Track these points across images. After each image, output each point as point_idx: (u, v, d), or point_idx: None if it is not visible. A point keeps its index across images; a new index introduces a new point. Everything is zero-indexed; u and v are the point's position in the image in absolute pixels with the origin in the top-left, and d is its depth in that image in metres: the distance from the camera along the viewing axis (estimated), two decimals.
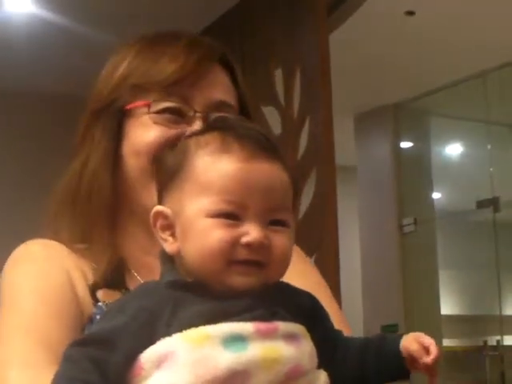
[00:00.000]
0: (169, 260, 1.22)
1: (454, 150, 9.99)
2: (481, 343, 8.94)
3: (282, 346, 1.13)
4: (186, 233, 1.18)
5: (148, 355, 1.12)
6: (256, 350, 1.11)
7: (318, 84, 4.40)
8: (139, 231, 1.48)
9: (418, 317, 7.51)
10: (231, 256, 1.15)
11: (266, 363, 1.11)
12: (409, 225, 7.72)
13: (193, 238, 1.17)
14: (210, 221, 1.16)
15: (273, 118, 4.63)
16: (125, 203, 1.50)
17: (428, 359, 1.16)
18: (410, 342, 1.19)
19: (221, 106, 1.48)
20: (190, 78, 1.45)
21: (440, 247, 8.22)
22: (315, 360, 1.18)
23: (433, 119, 8.38)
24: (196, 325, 1.11)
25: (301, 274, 1.44)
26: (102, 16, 5.41)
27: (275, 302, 1.17)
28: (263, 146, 1.21)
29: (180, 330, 1.11)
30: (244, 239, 1.15)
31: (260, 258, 1.16)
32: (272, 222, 1.18)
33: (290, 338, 1.15)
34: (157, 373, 1.11)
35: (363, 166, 8.25)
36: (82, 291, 1.40)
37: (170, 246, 1.21)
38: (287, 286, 1.24)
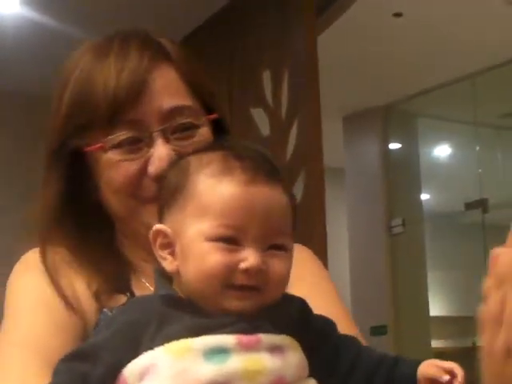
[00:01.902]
0: (164, 276, 1.22)
1: (442, 151, 10.02)
2: (469, 344, 8.96)
3: (264, 357, 1.12)
4: (185, 254, 1.18)
5: (131, 368, 1.12)
6: (237, 362, 1.10)
7: (306, 85, 4.41)
8: (142, 236, 1.44)
9: (407, 318, 7.53)
10: (228, 281, 1.14)
11: (248, 375, 1.10)
12: (397, 226, 7.73)
13: (191, 261, 1.17)
14: (209, 245, 1.15)
15: (261, 120, 4.63)
16: (117, 225, 1.49)
17: (446, 377, 1.13)
18: (428, 367, 1.16)
19: (173, 112, 1.40)
20: (130, 99, 1.37)
21: (428, 248, 8.24)
22: (304, 370, 1.18)
23: (421, 121, 8.40)
24: (179, 338, 1.11)
25: (317, 291, 1.47)
26: (90, 16, 5.40)
27: (260, 316, 1.16)
28: (264, 168, 1.20)
29: (163, 344, 1.11)
30: (242, 265, 1.14)
31: (257, 284, 1.15)
32: (271, 247, 1.18)
33: (274, 349, 1.14)
34: None
35: (351, 167, 8.27)
36: (86, 298, 1.38)
37: (169, 264, 1.20)
38: (282, 297, 1.22)
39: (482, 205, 8.16)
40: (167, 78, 1.42)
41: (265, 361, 1.12)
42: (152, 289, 1.33)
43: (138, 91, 1.37)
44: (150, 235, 1.22)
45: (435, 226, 9.85)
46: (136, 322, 1.15)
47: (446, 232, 10.66)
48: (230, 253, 1.14)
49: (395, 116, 7.89)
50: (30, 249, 1.49)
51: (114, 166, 1.39)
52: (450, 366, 1.14)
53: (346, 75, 6.61)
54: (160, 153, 1.37)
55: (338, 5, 5.50)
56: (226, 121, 1.54)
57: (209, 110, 1.48)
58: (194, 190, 1.19)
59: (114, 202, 1.43)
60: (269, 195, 1.18)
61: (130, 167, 1.37)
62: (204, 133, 1.43)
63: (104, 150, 1.39)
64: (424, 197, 8.83)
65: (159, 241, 1.22)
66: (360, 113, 7.89)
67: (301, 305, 1.25)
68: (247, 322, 1.14)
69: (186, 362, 1.09)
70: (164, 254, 1.21)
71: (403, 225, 7.69)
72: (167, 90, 1.41)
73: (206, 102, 1.48)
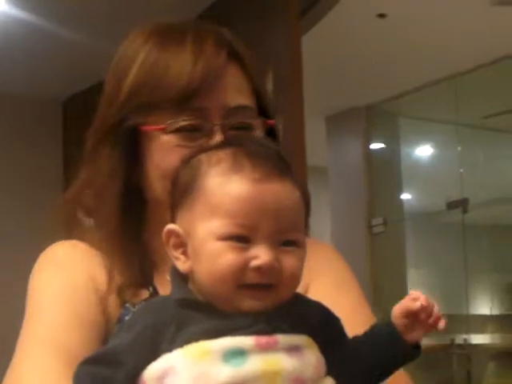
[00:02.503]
0: (180, 276, 1.21)
1: (423, 151, 10.04)
2: (448, 342, 8.98)
3: (283, 358, 1.12)
4: (197, 254, 1.17)
5: (150, 372, 1.12)
6: (256, 364, 1.10)
7: (289, 85, 4.41)
8: None
9: (387, 316, 7.53)
10: (241, 280, 1.13)
11: (267, 376, 1.10)
12: (378, 225, 7.75)
13: (203, 261, 1.16)
14: (220, 244, 1.14)
15: None
16: (150, 213, 1.47)
17: (416, 304, 1.16)
18: (398, 308, 1.19)
19: (237, 110, 1.43)
20: (202, 88, 1.38)
21: (409, 247, 8.26)
22: (322, 369, 1.18)
23: (403, 121, 8.42)
24: (197, 341, 1.10)
25: (338, 288, 1.49)
26: (77, 15, 5.40)
27: (278, 317, 1.15)
28: (275, 164, 1.18)
29: (181, 346, 1.11)
30: (254, 263, 1.13)
31: (270, 281, 1.14)
32: (283, 243, 1.16)
33: (291, 349, 1.14)
34: None
35: (334, 166, 8.28)
36: (108, 293, 1.39)
37: (182, 264, 1.20)
38: (296, 298, 1.22)
39: (462, 204, 8.20)
40: (236, 78, 1.45)
41: (283, 361, 1.12)
42: None
43: (210, 83, 1.39)
44: (163, 235, 1.21)
45: (416, 225, 9.88)
46: (155, 326, 1.14)
47: (427, 231, 10.70)
48: (241, 251, 1.13)
49: (377, 116, 7.90)
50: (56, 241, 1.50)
51: (170, 150, 1.39)
52: (410, 296, 1.18)
53: (329, 75, 6.61)
54: None
55: (322, 5, 5.52)
56: (278, 127, 1.54)
57: (264, 113, 1.49)
58: (203, 188, 1.17)
59: (158, 186, 1.42)
60: (279, 192, 1.16)
61: (185, 153, 1.33)
62: (257, 135, 1.44)
63: (165, 131, 1.40)
64: (405, 196, 8.85)
65: (172, 241, 1.21)
66: (342, 113, 7.90)
67: (319, 307, 1.25)
68: (264, 323, 1.13)
69: (204, 365, 1.09)
70: (177, 253, 1.20)
71: (384, 224, 7.71)
72: (235, 88, 1.44)
73: (263, 106, 1.50)
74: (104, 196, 1.45)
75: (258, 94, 1.49)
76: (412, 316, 1.18)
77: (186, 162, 1.26)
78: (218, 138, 1.38)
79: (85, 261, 1.43)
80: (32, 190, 6.86)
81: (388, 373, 1.24)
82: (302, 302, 1.23)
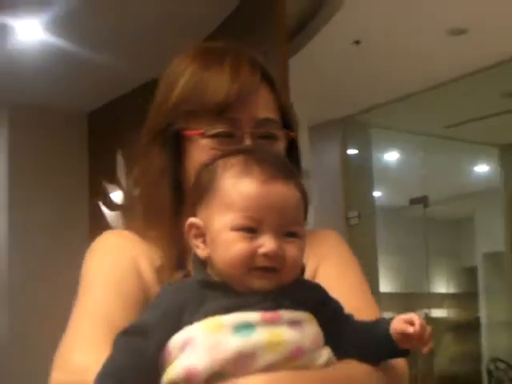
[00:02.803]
0: (200, 262, 1.24)
1: (391, 156, 10.04)
2: None
3: (285, 330, 1.14)
4: (214, 243, 1.20)
5: (174, 342, 1.14)
6: (261, 335, 1.12)
7: None
8: None
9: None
10: (251, 264, 1.17)
11: (271, 346, 1.12)
12: (354, 218, 7.75)
13: (219, 248, 1.19)
14: (233, 234, 1.17)
15: None
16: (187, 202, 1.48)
17: (411, 329, 1.16)
18: (397, 323, 1.19)
19: (265, 122, 1.44)
20: (236, 102, 1.40)
21: (379, 236, 8.26)
22: (320, 340, 1.20)
23: (374, 131, 8.41)
24: (214, 315, 1.13)
25: (342, 270, 1.49)
26: (102, 40, 5.38)
27: (283, 296, 1.18)
28: (279, 168, 1.22)
29: (200, 320, 1.14)
30: (261, 250, 1.16)
31: (275, 265, 1.17)
32: (286, 234, 1.19)
33: (293, 323, 1.16)
34: (181, 355, 1.13)
35: (316, 169, 8.26)
36: (149, 274, 1.40)
37: (201, 251, 1.23)
38: (299, 281, 1.24)
39: (423, 201, 8.20)
40: (266, 96, 1.47)
41: (285, 333, 1.14)
42: None
43: (243, 99, 1.41)
44: (186, 227, 1.25)
45: (385, 218, 9.88)
46: (179, 303, 1.17)
47: (394, 223, 10.70)
48: (251, 240, 1.17)
49: (352, 127, 7.90)
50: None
51: (206, 152, 1.40)
52: (409, 318, 1.17)
53: (312, 92, 6.60)
54: None
55: (306, 32, 5.52)
56: (298, 139, 1.57)
57: (287, 126, 1.51)
58: (219, 188, 1.21)
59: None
60: (283, 191, 1.20)
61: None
62: (280, 144, 1.47)
63: (203, 136, 1.42)
64: (376, 194, 8.85)
65: (193, 232, 1.24)
66: (323, 124, 7.89)
67: (317, 288, 1.27)
68: (270, 301, 1.16)
69: (218, 336, 1.11)
70: (197, 242, 1.23)
71: (359, 217, 7.71)
72: (264, 104, 1.46)
73: (286, 120, 1.51)
74: (155, 189, 1.47)
75: (282, 110, 1.51)
76: (406, 336, 1.18)
77: (205, 166, 1.29)
78: (247, 143, 1.41)
79: (129, 247, 1.44)
80: (60, 193, 6.81)
81: (377, 360, 1.24)
82: (302, 284, 1.25)
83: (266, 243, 1.16)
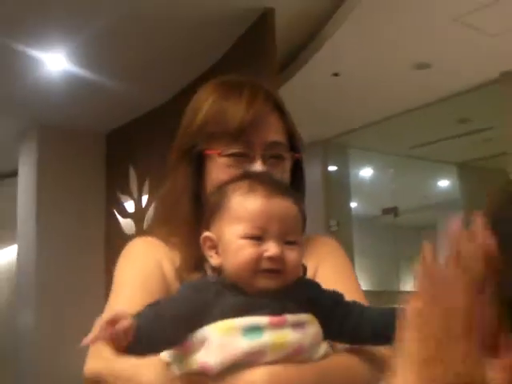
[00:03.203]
0: (214, 269, 1.24)
1: (366, 172, 10.06)
2: None
3: (289, 332, 1.15)
4: (226, 250, 1.22)
5: (195, 336, 1.15)
6: (268, 337, 1.13)
7: None
8: None
9: None
10: (257, 266, 1.18)
11: (275, 347, 1.13)
12: (333, 225, 7.74)
13: (230, 255, 1.21)
14: (242, 241, 1.20)
15: None
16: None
17: None
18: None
19: (274, 145, 1.45)
20: (250, 127, 1.41)
21: (356, 242, 8.27)
22: (319, 338, 1.20)
23: (351, 151, 8.43)
24: (227, 317, 1.14)
25: (338, 272, 1.49)
26: (118, 69, 5.39)
27: (287, 299, 1.18)
28: (279, 188, 1.25)
29: (216, 320, 1.14)
30: (266, 254, 1.18)
31: (278, 267, 1.19)
32: (286, 242, 1.21)
33: (296, 325, 1.16)
34: (198, 351, 1.14)
35: None
36: (171, 274, 1.41)
37: (215, 260, 1.24)
38: (300, 281, 1.25)
39: (394, 211, 8.22)
40: (276, 122, 1.48)
41: (289, 335, 1.15)
42: None
43: (257, 124, 1.42)
44: (201, 240, 1.26)
45: (361, 225, 9.89)
46: (201, 287, 1.19)
47: (368, 230, 10.71)
48: (257, 246, 1.19)
49: (332, 147, 7.91)
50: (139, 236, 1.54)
51: (222, 169, 1.42)
52: None
53: (296, 117, 6.58)
54: (257, 168, 1.41)
55: (293, 66, 5.53)
56: (302, 159, 1.57)
57: (294, 148, 1.52)
58: (229, 206, 1.24)
59: None
60: (283, 205, 1.23)
61: (233, 172, 1.38)
62: (286, 164, 1.48)
63: (220, 155, 1.43)
64: (353, 205, 8.86)
65: (207, 244, 1.25)
66: (307, 144, 7.87)
67: (315, 286, 1.28)
68: (277, 305, 1.16)
69: (229, 337, 1.12)
70: (211, 253, 1.25)
71: (338, 225, 7.71)
72: (274, 129, 1.47)
73: (293, 143, 1.52)
74: (179, 201, 1.47)
75: (290, 134, 1.52)
76: None
77: (215, 190, 1.33)
78: (258, 162, 1.42)
79: (154, 251, 1.46)
80: (80, 202, 6.81)
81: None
82: (303, 284, 1.25)
83: (271, 248, 1.18)
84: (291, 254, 1.21)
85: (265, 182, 1.25)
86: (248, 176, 1.30)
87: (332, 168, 8.13)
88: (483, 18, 4.83)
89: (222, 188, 1.29)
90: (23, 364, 6.59)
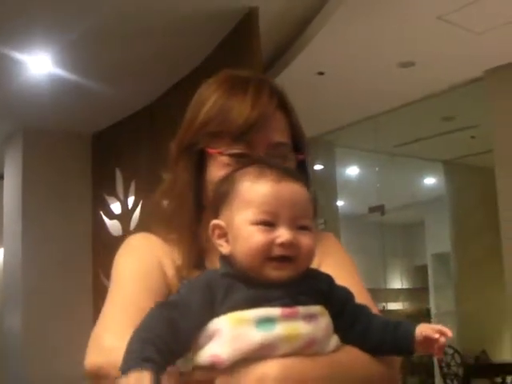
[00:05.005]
0: (224, 259, 1.21)
1: (352, 171, 10.08)
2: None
3: (301, 325, 1.12)
4: (236, 238, 1.18)
5: (203, 331, 1.12)
6: (280, 329, 1.10)
7: None
8: None
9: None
10: (268, 253, 1.14)
11: (288, 339, 1.10)
12: (321, 224, 7.75)
13: (240, 242, 1.17)
14: (253, 227, 1.15)
15: None
16: (206, 213, 1.44)
17: (441, 341, 1.13)
18: (423, 328, 1.16)
19: (278, 146, 1.41)
20: (254, 127, 1.38)
21: (343, 240, 8.28)
22: (330, 330, 1.18)
23: (337, 149, 8.44)
24: (239, 308, 1.11)
25: (341, 268, 1.44)
26: (104, 72, 5.39)
27: (299, 291, 1.15)
28: (288, 172, 1.21)
29: (227, 311, 1.11)
30: (278, 240, 1.14)
31: (291, 254, 1.15)
32: (298, 227, 1.17)
33: (308, 317, 1.14)
34: (208, 344, 1.11)
35: None
36: (171, 271, 1.38)
37: (224, 249, 1.20)
38: (312, 273, 1.22)
39: (380, 209, 8.24)
40: (280, 122, 1.44)
41: (301, 327, 1.12)
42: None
43: (260, 124, 1.38)
44: (210, 229, 1.23)
45: (347, 224, 9.92)
46: (210, 284, 1.15)
47: (355, 228, 10.74)
48: (268, 232, 1.14)
49: (318, 145, 7.91)
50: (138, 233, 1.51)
51: (222, 167, 1.38)
52: (439, 328, 1.15)
53: None
54: None
55: (278, 66, 5.55)
56: (307, 161, 1.53)
57: (297, 148, 1.48)
58: (238, 191, 1.20)
59: (211, 193, 1.41)
60: (293, 189, 1.18)
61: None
62: (290, 165, 1.44)
63: (221, 154, 1.39)
64: (339, 203, 8.88)
65: (216, 232, 1.21)
66: None
67: (328, 279, 1.24)
68: (289, 297, 1.13)
69: (242, 329, 1.09)
70: (221, 241, 1.21)
71: (324, 223, 7.72)
72: (278, 129, 1.43)
73: (297, 143, 1.48)
74: (179, 199, 1.44)
75: (295, 134, 1.48)
76: (429, 340, 1.15)
77: (225, 177, 1.29)
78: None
79: (154, 247, 1.43)
80: (67, 204, 6.80)
81: (382, 352, 1.22)
82: (314, 276, 1.22)
83: (282, 234, 1.14)
84: (304, 240, 1.17)
85: (273, 166, 1.21)
86: (256, 162, 1.26)
87: (318, 167, 8.14)
88: (467, 16, 4.86)
89: (230, 175, 1.26)
90: (10, 367, 6.57)
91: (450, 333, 1.14)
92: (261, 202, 1.16)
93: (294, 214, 1.16)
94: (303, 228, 1.18)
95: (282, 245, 1.14)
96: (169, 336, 1.08)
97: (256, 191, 1.18)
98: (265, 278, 1.15)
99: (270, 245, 1.14)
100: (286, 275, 1.15)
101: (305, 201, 1.20)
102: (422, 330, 1.16)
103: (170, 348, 1.07)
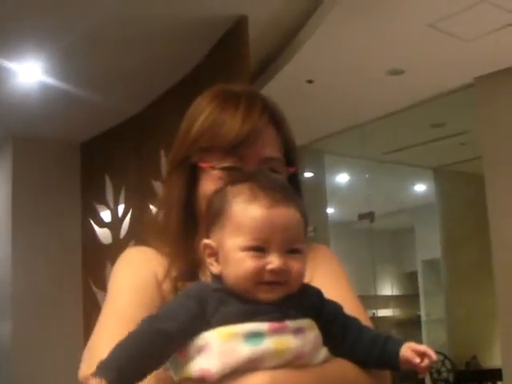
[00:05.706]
0: (215, 276, 1.22)
1: (341, 178, 10.10)
2: None
3: (290, 339, 1.14)
4: (226, 261, 1.19)
5: (192, 344, 1.13)
6: (269, 344, 1.12)
7: None
8: None
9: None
10: (259, 279, 1.16)
11: (277, 352, 1.12)
12: (310, 231, 7.73)
13: (231, 266, 1.18)
14: (243, 254, 1.16)
15: None
16: (200, 226, 1.44)
17: (423, 364, 1.15)
18: (406, 350, 1.17)
19: (269, 160, 1.42)
20: (245, 141, 1.39)
21: (332, 247, 8.28)
22: (319, 343, 1.19)
23: (327, 156, 8.45)
24: (229, 323, 1.12)
25: (333, 279, 1.45)
26: (93, 81, 5.39)
27: (288, 305, 1.17)
28: (281, 194, 1.21)
29: (217, 326, 1.12)
30: (269, 266, 1.15)
31: (280, 279, 1.16)
32: (289, 251, 1.18)
33: (297, 331, 1.15)
34: (198, 357, 1.12)
35: None
36: (166, 284, 1.38)
37: (215, 268, 1.22)
38: (303, 287, 1.23)
39: (370, 216, 8.25)
40: (271, 136, 1.44)
41: (290, 341, 1.14)
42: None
43: (252, 139, 1.39)
44: (201, 247, 1.24)
45: (337, 231, 9.92)
46: (201, 296, 1.16)
47: (345, 235, 10.74)
48: (258, 259, 1.16)
49: (308, 153, 7.92)
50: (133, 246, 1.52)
51: (214, 181, 1.39)
52: (422, 349, 1.16)
53: None
54: None
55: (267, 74, 5.55)
56: (299, 173, 1.54)
57: (289, 162, 1.49)
58: (230, 213, 1.20)
59: (204, 206, 1.41)
60: (285, 214, 1.19)
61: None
62: (281, 179, 1.44)
63: (213, 168, 1.40)
64: (329, 210, 8.89)
65: (207, 251, 1.23)
66: None
67: (318, 293, 1.25)
68: (278, 312, 1.15)
69: (231, 344, 1.11)
70: (211, 260, 1.22)
71: (314, 230, 7.72)
72: (269, 144, 1.43)
73: (289, 157, 1.49)
74: (171, 213, 1.45)
75: (286, 148, 1.49)
76: (411, 363, 1.17)
77: (216, 192, 1.29)
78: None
79: (149, 260, 1.43)
80: (56, 212, 6.78)
81: (368, 366, 1.23)
82: (305, 291, 1.23)
83: (273, 261, 1.15)
84: (295, 264, 1.18)
85: (266, 188, 1.21)
86: (248, 178, 1.26)
87: (308, 174, 8.14)
88: (457, 23, 4.88)
89: (223, 191, 1.26)
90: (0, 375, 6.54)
91: (434, 356, 1.15)
92: (253, 228, 1.17)
93: (285, 239, 1.18)
94: (294, 251, 1.19)
95: (271, 271, 1.16)
96: (145, 352, 1.09)
97: (248, 216, 1.18)
98: (255, 299, 1.16)
99: (261, 271, 1.16)
100: (277, 296, 1.17)
101: (296, 225, 1.22)
102: (405, 351, 1.17)
103: (141, 362, 1.09)
